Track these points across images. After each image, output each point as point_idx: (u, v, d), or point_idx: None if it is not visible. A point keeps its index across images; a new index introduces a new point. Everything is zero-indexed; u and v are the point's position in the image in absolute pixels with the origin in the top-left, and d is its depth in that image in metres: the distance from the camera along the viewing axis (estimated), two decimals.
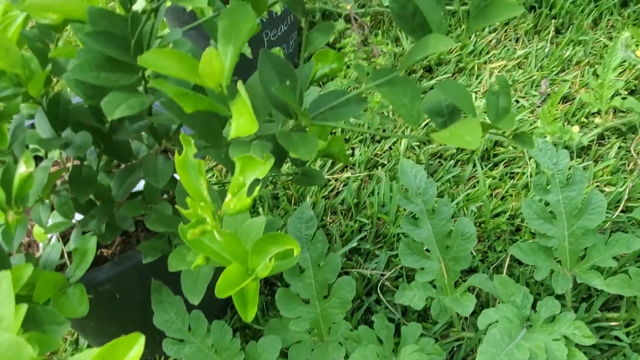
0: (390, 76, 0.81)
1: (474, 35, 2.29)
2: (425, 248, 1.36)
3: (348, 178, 1.88)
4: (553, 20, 2.30)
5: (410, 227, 1.36)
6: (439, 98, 0.90)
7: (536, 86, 2.13)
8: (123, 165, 1.11)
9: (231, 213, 0.62)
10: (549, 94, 2.06)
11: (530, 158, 1.86)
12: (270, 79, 0.79)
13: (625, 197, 1.71)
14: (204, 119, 0.82)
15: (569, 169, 1.41)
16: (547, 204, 1.42)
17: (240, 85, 0.67)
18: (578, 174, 1.41)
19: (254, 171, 0.64)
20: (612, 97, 2.04)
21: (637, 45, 1.93)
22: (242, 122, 0.65)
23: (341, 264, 1.32)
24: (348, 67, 1.98)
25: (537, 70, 2.17)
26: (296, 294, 1.30)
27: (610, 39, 2.22)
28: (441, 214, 1.36)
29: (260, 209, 1.81)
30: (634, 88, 2.05)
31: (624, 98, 2.02)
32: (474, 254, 1.64)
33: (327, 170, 1.91)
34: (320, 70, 1.03)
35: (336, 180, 1.89)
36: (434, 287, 1.37)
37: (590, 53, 2.20)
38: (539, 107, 2.05)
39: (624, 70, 2.09)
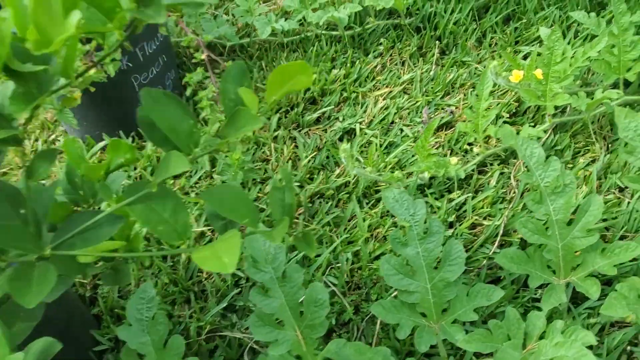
0: (142, 192, 0.73)
1: (358, 62, 2.23)
2: (277, 319, 1.29)
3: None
4: (437, 42, 2.26)
5: (260, 299, 1.28)
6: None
7: (421, 112, 2.08)
8: None
9: None
10: (423, 124, 2.02)
11: None
12: (3, 212, 0.69)
13: (501, 231, 1.67)
14: None
15: (425, 221, 1.36)
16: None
17: None
18: (435, 225, 1.36)
19: None
20: (497, 119, 2.02)
21: (510, 70, 1.90)
22: None
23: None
24: (206, 123, 1.89)
25: (422, 95, 2.12)
26: None
27: (494, 58, 2.19)
28: (292, 281, 1.29)
29: None
30: (515, 110, 2.02)
31: (505, 121, 1.99)
32: (348, 306, 1.57)
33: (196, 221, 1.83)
34: (114, 161, 0.94)
35: (211, 231, 1.81)
36: (296, 357, 1.30)
37: (474, 74, 2.17)
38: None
39: (505, 92, 2.06)
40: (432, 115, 2.06)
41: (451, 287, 1.34)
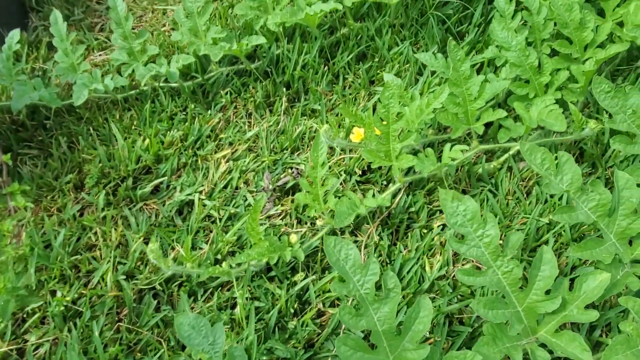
0: None
1: (198, 119, 1.98)
2: None
3: None
4: (285, 90, 2.03)
5: None
6: None
7: (269, 171, 1.86)
8: None
9: None
10: (274, 189, 1.80)
11: None
12: None
13: None
14: None
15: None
16: None
17: None
18: (237, 352, 1.14)
19: None
20: (350, 176, 1.81)
21: (351, 126, 1.70)
22: None
23: None
24: None
25: (269, 154, 1.90)
26: None
27: (347, 101, 1.99)
28: None
29: None
30: (365, 168, 1.82)
31: (357, 180, 1.79)
32: None
33: None
34: None
35: None
36: None
37: (327, 121, 1.96)
38: (267, 205, 1.78)
39: (350, 150, 1.85)
40: (280, 177, 1.84)
41: None
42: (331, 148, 1.87)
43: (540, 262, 1.23)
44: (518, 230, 1.64)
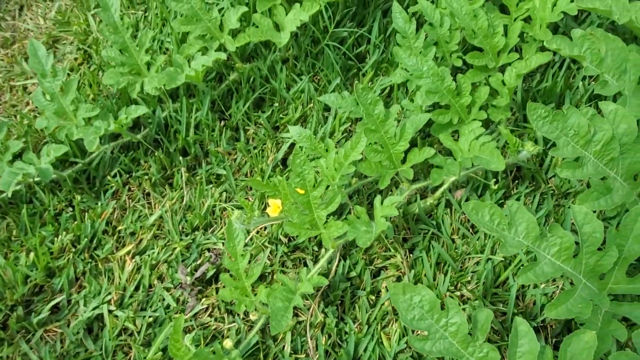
0: None
1: (87, 215, 1.70)
2: None
3: None
4: (182, 158, 1.77)
5: None
6: None
7: (183, 261, 1.61)
8: None
9: None
10: (193, 283, 1.55)
11: None
12: None
13: None
14: None
15: None
16: None
17: None
18: None
19: None
20: (277, 246, 1.59)
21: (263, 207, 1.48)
22: None
23: None
24: None
25: (179, 238, 1.64)
26: None
27: (253, 157, 1.75)
28: None
29: None
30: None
31: (284, 251, 1.57)
32: None
33: None
34: None
35: None
36: None
37: (237, 187, 1.72)
38: (190, 302, 1.53)
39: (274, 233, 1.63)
40: (198, 265, 1.59)
41: None
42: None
43: (516, 337, 1.06)
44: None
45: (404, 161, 1.49)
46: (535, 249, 1.17)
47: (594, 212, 1.20)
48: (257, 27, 1.75)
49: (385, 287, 1.49)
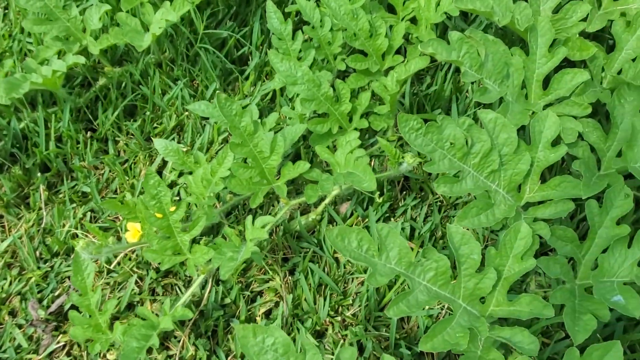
0: None
1: None
2: None
3: None
4: (41, 174, 1.58)
5: None
6: None
7: (39, 292, 1.43)
8: None
9: None
10: (47, 320, 1.38)
11: None
12: None
13: None
14: None
15: None
16: None
17: None
18: None
19: None
20: (144, 274, 1.43)
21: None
22: None
23: None
24: None
25: (33, 269, 1.46)
26: None
27: (121, 173, 1.58)
28: None
29: None
30: None
31: (155, 277, 1.42)
32: None
33: None
34: None
35: None
36: None
37: (99, 210, 1.55)
38: (45, 340, 1.36)
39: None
40: (54, 297, 1.42)
41: None
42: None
43: None
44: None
45: (278, 177, 1.36)
46: (409, 275, 1.07)
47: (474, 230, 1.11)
48: (120, 27, 1.58)
49: (262, 312, 1.36)
